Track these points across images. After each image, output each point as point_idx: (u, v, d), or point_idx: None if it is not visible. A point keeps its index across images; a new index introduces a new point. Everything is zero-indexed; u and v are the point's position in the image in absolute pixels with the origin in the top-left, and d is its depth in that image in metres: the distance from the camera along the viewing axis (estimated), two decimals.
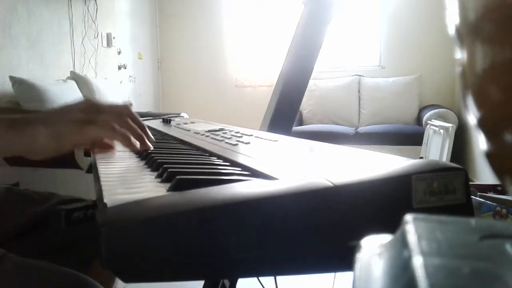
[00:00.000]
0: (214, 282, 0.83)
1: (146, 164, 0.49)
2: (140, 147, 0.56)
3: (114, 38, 3.89)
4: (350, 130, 3.67)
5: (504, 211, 1.11)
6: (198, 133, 0.77)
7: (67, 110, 0.54)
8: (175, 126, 0.99)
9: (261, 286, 0.85)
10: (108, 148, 0.59)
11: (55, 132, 0.51)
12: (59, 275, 0.58)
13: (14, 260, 0.58)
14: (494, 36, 0.17)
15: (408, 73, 3.91)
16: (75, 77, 3.08)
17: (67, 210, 0.39)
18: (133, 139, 0.55)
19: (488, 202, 1.15)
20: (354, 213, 0.30)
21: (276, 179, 0.34)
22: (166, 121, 1.14)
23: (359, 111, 3.98)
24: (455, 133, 2.63)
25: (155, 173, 0.42)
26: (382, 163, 0.36)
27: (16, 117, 0.53)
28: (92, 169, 0.51)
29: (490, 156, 0.18)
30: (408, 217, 0.16)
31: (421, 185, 0.31)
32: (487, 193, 1.30)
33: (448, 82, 3.86)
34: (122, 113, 0.55)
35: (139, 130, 0.56)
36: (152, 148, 0.57)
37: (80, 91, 2.97)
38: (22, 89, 2.56)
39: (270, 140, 0.60)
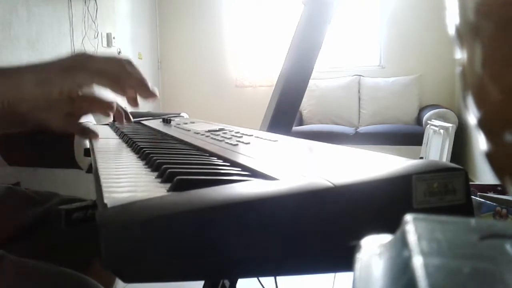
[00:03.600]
0: (214, 282, 0.83)
1: (146, 164, 0.49)
2: (142, 95, 0.53)
3: (114, 38, 3.89)
4: (350, 130, 3.67)
5: (504, 211, 1.11)
6: (198, 133, 0.77)
7: (58, 59, 0.52)
8: (175, 126, 0.99)
9: (261, 286, 0.85)
10: (92, 135, 0.59)
11: (41, 78, 0.49)
12: (59, 275, 0.58)
13: (14, 261, 0.57)
14: (494, 36, 0.17)
15: (408, 73, 3.91)
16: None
17: (67, 210, 0.39)
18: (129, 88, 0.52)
19: (488, 202, 1.15)
20: (354, 213, 0.30)
21: (276, 179, 0.34)
22: (166, 121, 1.14)
23: (359, 111, 3.98)
24: (455, 133, 2.63)
25: (155, 173, 0.42)
26: (382, 164, 0.36)
27: (4, 66, 0.52)
28: (92, 169, 0.51)
29: (490, 156, 0.18)
30: (408, 217, 0.16)
31: (421, 185, 0.31)
32: (487, 193, 1.30)
33: (448, 82, 3.86)
34: (118, 60, 0.52)
35: (138, 77, 0.53)
36: (158, 96, 0.54)
37: None
38: None
39: (270, 140, 0.60)
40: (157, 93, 0.54)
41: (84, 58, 0.51)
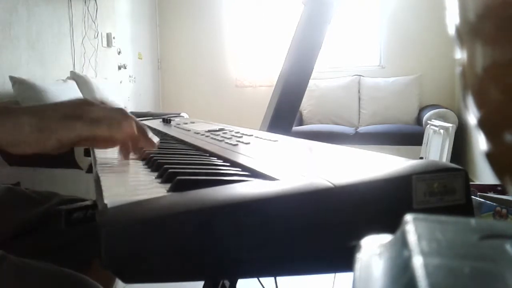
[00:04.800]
0: (214, 282, 0.83)
1: (146, 164, 0.49)
2: (145, 145, 0.53)
3: (114, 38, 3.89)
4: (350, 130, 3.67)
5: (504, 211, 1.11)
6: (198, 133, 0.77)
7: (56, 104, 0.51)
8: (175, 126, 0.99)
9: (261, 286, 0.85)
10: (109, 144, 0.55)
11: (40, 124, 0.47)
12: (59, 276, 0.58)
13: (14, 261, 0.57)
14: (494, 36, 0.17)
15: (408, 73, 3.91)
16: (75, 77, 3.08)
17: (67, 210, 0.39)
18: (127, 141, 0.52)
19: (488, 202, 1.15)
20: (354, 213, 0.30)
21: (276, 179, 0.34)
22: (166, 121, 1.14)
23: (359, 111, 3.98)
24: (455, 133, 2.63)
25: (155, 174, 0.42)
26: (382, 164, 0.36)
27: (3, 106, 0.50)
28: (92, 169, 0.51)
29: (490, 156, 0.18)
30: (408, 217, 0.16)
31: (421, 185, 0.31)
32: (487, 193, 1.30)
33: (448, 82, 3.86)
34: (118, 110, 0.52)
35: (138, 128, 0.53)
36: (156, 147, 0.54)
37: (80, 91, 2.97)
38: (22, 89, 2.56)
39: (270, 140, 0.60)
40: (157, 142, 0.54)
41: (85, 106, 0.50)
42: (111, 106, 0.52)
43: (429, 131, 2.89)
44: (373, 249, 0.17)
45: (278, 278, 0.89)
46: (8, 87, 2.62)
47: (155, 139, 0.55)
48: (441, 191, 0.31)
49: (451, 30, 0.19)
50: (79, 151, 2.19)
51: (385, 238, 0.17)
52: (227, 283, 0.83)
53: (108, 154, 0.59)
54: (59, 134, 0.48)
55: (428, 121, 3.04)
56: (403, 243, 0.15)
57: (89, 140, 0.52)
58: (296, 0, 1.08)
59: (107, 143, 0.54)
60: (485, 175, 2.72)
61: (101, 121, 0.49)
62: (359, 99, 4.00)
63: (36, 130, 0.47)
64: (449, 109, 3.41)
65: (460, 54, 0.19)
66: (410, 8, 3.95)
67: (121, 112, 0.52)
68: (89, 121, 0.48)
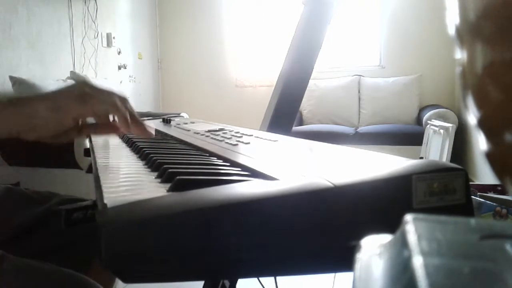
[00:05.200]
0: (214, 282, 0.83)
1: (146, 164, 0.49)
2: (140, 133, 0.57)
3: (114, 38, 3.89)
4: (350, 130, 3.67)
5: (504, 211, 1.11)
6: (198, 133, 0.77)
7: (64, 88, 0.54)
8: (175, 126, 0.99)
9: (261, 286, 0.85)
10: (111, 130, 0.58)
11: (55, 105, 0.50)
12: (59, 276, 0.58)
13: (14, 261, 0.57)
14: (494, 36, 0.17)
15: (408, 73, 3.91)
16: (75, 77, 3.08)
17: (67, 210, 0.39)
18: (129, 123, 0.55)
19: (488, 202, 1.15)
20: (354, 213, 0.30)
21: (276, 179, 0.34)
22: (166, 121, 1.14)
23: (359, 111, 3.98)
24: (455, 133, 2.63)
25: (155, 173, 0.42)
26: (382, 163, 0.36)
27: (15, 97, 0.52)
28: (92, 169, 0.51)
29: (490, 156, 0.18)
30: (408, 217, 0.16)
31: (421, 185, 0.31)
32: (487, 193, 1.30)
33: (448, 82, 3.86)
34: (120, 97, 0.56)
35: (137, 117, 0.57)
36: (153, 136, 0.57)
37: None
38: (22, 89, 2.56)
39: (270, 140, 0.60)
40: (152, 132, 0.59)
41: (89, 88, 0.53)
42: (110, 90, 0.55)
43: (429, 131, 2.89)
44: (373, 249, 0.17)
45: (278, 278, 0.89)
46: (8, 87, 2.62)
47: (152, 131, 0.59)
48: (441, 191, 0.31)
49: (451, 30, 0.19)
50: (79, 151, 2.19)
51: (385, 238, 0.17)
52: (227, 283, 0.83)
53: (108, 154, 0.59)
54: (76, 111, 0.50)
55: (428, 121, 3.04)
56: (403, 243, 0.15)
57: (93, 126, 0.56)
58: (296, 0, 1.08)
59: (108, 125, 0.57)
60: (485, 175, 2.72)
61: (113, 103, 0.52)
62: (359, 99, 4.00)
63: (52, 111, 0.49)
64: (449, 109, 3.41)
65: (460, 54, 0.19)
66: (410, 8, 3.95)
67: (121, 98, 0.55)
68: (102, 100, 0.52)
